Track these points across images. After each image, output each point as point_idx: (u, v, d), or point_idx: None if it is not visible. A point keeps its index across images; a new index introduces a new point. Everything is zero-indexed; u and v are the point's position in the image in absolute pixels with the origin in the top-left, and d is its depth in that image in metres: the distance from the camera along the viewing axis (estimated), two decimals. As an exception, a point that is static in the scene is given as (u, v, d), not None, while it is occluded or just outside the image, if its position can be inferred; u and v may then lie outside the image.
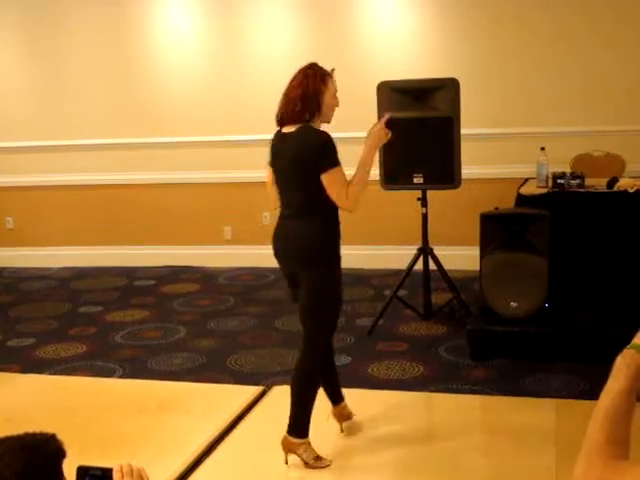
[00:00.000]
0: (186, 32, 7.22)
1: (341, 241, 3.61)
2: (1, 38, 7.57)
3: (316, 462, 3.65)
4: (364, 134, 6.38)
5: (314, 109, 3.48)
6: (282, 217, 3.62)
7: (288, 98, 3.49)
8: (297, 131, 3.50)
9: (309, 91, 3.46)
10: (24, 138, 7.60)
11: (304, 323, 3.64)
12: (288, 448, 3.64)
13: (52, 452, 1.66)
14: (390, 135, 3.60)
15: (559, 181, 5.25)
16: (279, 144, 3.57)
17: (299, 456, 3.64)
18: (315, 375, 3.68)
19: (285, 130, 3.54)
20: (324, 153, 3.44)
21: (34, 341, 5.56)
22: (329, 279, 3.56)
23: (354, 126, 6.72)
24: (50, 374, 4.95)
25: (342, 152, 6.62)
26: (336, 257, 3.59)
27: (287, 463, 3.65)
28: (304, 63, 7.03)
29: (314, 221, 3.53)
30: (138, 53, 7.32)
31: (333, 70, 3.58)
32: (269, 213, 6.47)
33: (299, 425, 3.63)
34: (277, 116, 3.55)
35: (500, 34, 6.55)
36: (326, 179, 3.43)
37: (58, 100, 7.51)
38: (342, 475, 3.63)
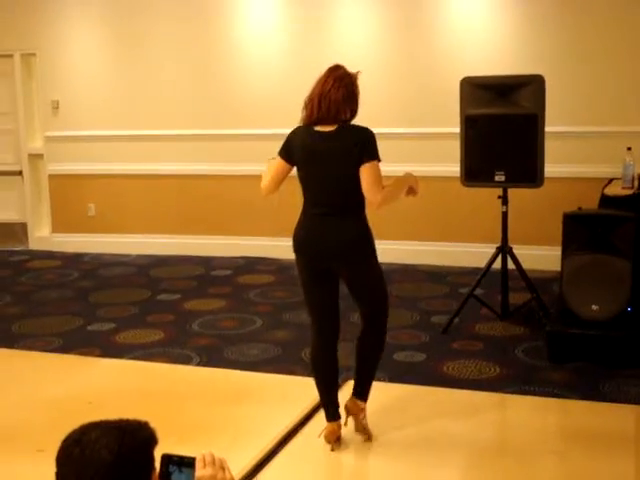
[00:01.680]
0: (268, 26, 7.27)
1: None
2: (87, 31, 7.76)
3: (367, 431, 3.85)
4: (447, 130, 6.36)
5: (354, 112, 3.64)
6: (317, 215, 3.65)
7: (329, 101, 3.54)
8: (341, 129, 3.57)
9: (351, 95, 3.61)
10: (108, 127, 7.76)
11: (375, 303, 3.78)
12: (354, 412, 3.80)
13: (146, 437, 1.70)
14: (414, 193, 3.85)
15: (646, 183, 5.13)
16: (316, 141, 3.59)
17: (359, 420, 3.81)
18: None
19: (321, 129, 3.58)
20: (370, 146, 3.56)
21: (114, 326, 5.68)
22: (377, 258, 3.73)
23: (436, 122, 6.71)
24: (129, 359, 5.05)
25: (426, 147, 6.60)
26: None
27: (346, 425, 3.81)
28: (386, 59, 7.04)
29: (360, 217, 3.65)
30: (219, 46, 7.40)
31: (359, 72, 3.67)
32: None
33: (368, 390, 3.84)
34: (310, 116, 3.59)
35: (586, 30, 6.41)
36: (366, 169, 3.53)
37: (141, 91, 7.65)
38: (414, 473, 3.60)
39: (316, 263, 3.68)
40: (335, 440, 3.76)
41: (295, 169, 3.71)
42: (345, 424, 3.80)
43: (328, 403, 3.80)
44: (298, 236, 3.71)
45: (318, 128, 3.59)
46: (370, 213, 3.67)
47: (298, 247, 3.71)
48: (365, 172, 3.53)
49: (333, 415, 3.79)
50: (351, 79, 3.63)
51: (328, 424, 3.78)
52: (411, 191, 3.83)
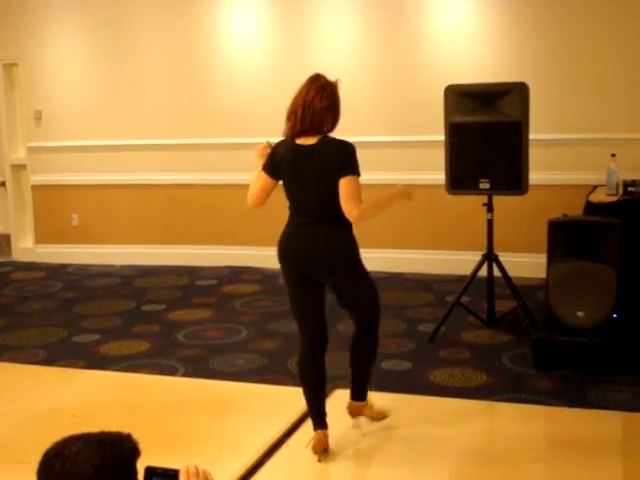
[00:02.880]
0: (251, 34, 7.26)
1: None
2: (70, 41, 7.73)
3: (382, 413, 4.03)
4: (432, 138, 6.35)
5: (335, 121, 3.64)
6: (301, 224, 3.66)
7: (313, 110, 3.56)
8: (322, 142, 3.58)
9: (334, 104, 3.62)
10: (91, 137, 7.73)
11: (366, 311, 3.82)
12: (357, 412, 3.96)
13: (128, 450, 1.67)
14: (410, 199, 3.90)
15: (630, 189, 5.16)
16: (297, 156, 3.60)
17: (368, 414, 3.97)
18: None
19: (302, 142, 3.59)
20: (350, 161, 3.56)
21: (98, 337, 5.63)
22: (360, 262, 3.74)
23: (421, 130, 6.71)
24: (114, 371, 5.01)
25: (410, 155, 6.62)
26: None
27: (359, 427, 3.97)
28: (370, 67, 7.05)
29: (344, 226, 3.64)
30: (203, 55, 7.39)
31: (339, 80, 3.68)
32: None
33: (366, 389, 3.96)
34: (293, 128, 3.59)
35: (569, 38, 6.44)
36: (344, 182, 3.53)
37: (125, 100, 7.63)
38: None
39: (301, 271, 3.68)
40: (322, 451, 3.73)
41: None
42: (355, 426, 3.93)
43: (316, 412, 3.78)
44: (282, 245, 3.72)
45: (300, 142, 3.59)
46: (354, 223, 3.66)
47: (283, 256, 3.72)
48: (343, 187, 3.53)
49: (321, 424, 3.76)
50: (332, 88, 3.63)
51: (315, 433, 3.76)
52: (404, 198, 3.87)
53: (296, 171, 3.62)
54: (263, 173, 3.73)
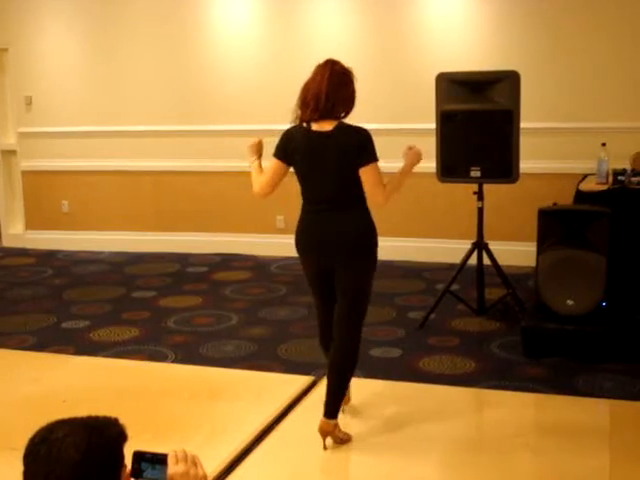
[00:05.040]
0: (243, 22, 7.24)
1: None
2: (61, 26, 7.68)
3: (347, 436, 3.78)
4: (423, 125, 6.33)
5: (351, 108, 3.62)
6: (317, 211, 3.63)
7: (336, 96, 3.53)
8: (339, 129, 3.55)
9: (351, 91, 3.61)
10: (82, 123, 7.70)
11: (353, 308, 3.68)
12: (327, 432, 3.69)
13: (114, 434, 1.67)
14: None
15: (619, 178, 5.17)
16: (315, 142, 3.56)
17: (335, 436, 3.71)
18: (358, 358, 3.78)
19: (318, 128, 3.55)
20: (369, 148, 3.54)
21: (88, 324, 5.63)
22: (375, 265, 3.70)
23: (412, 117, 6.70)
24: (104, 357, 5.01)
25: (401, 143, 6.62)
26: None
27: (326, 448, 3.69)
28: (362, 54, 7.02)
29: (362, 212, 3.63)
30: (196, 42, 7.36)
31: (351, 68, 3.66)
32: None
33: (338, 407, 3.73)
34: (314, 112, 3.53)
35: (561, 26, 6.44)
36: (366, 172, 3.52)
37: (115, 87, 7.60)
38: (390, 469, 3.60)
39: (319, 260, 3.66)
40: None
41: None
42: (325, 448, 3.69)
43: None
44: (299, 236, 3.70)
45: (316, 128, 3.55)
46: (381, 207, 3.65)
47: (301, 246, 3.70)
48: (366, 175, 3.52)
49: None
50: (351, 76, 3.61)
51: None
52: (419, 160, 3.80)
53: (313, 157, 3.57)
54: (274, 159, 3.66)
